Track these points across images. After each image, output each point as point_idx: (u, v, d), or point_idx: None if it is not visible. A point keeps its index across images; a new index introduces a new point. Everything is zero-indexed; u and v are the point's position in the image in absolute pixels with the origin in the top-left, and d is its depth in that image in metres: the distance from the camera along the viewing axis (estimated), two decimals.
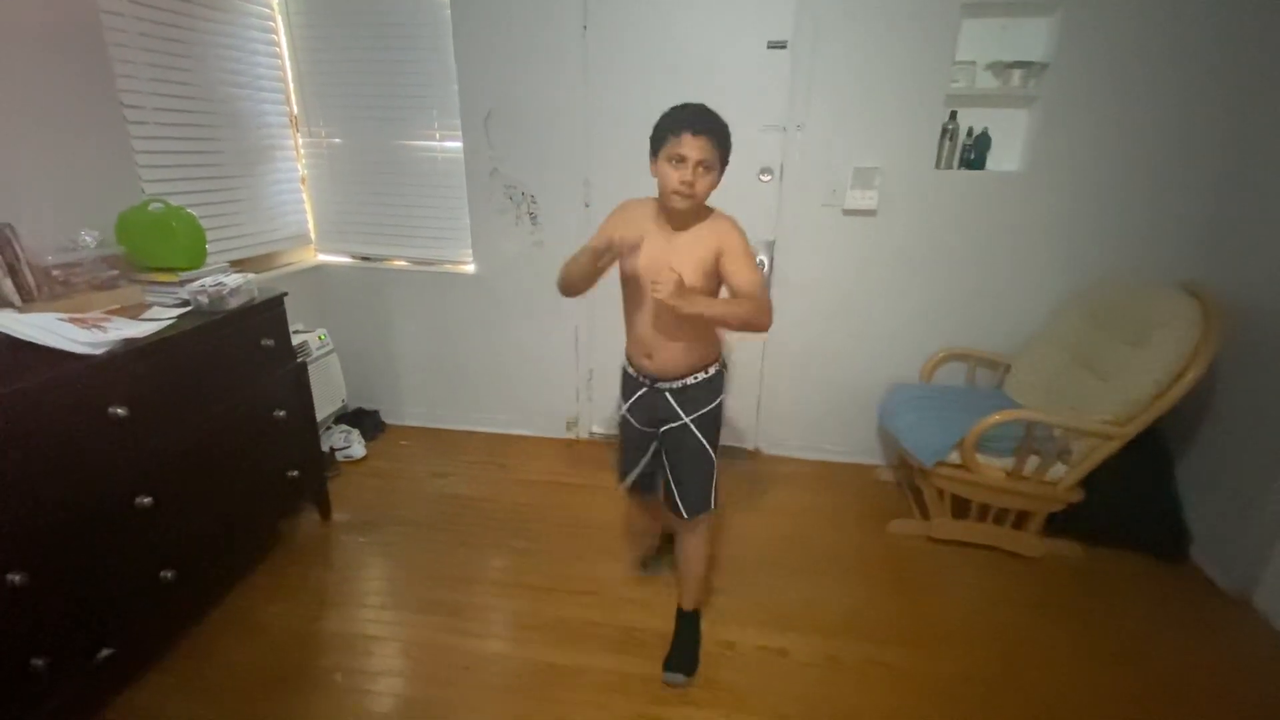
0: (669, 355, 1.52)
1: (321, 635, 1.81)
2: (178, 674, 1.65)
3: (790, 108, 2.36)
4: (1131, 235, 2.34)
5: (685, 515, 1.60)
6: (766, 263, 2.57)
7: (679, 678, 1.64)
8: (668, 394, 1.56)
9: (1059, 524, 2.17)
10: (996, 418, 1.96)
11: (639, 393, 1.61)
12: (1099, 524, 2.18)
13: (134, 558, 1.53)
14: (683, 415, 1.56)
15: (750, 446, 2.91)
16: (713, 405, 1.58)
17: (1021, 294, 2.47)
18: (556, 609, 1.92)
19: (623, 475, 1.73)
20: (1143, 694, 1.66)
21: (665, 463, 1.63)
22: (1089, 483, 2.07)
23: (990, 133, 2.35)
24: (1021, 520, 2.16)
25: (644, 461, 1.67)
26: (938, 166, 2.37)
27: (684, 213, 1.41)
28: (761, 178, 2.48)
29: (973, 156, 2.36)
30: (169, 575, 1.60)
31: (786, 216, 2.50)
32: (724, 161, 1.40)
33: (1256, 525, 1.96)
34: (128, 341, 1.50)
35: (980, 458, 2.05)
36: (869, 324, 2.61)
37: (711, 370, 1.57)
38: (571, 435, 3.02)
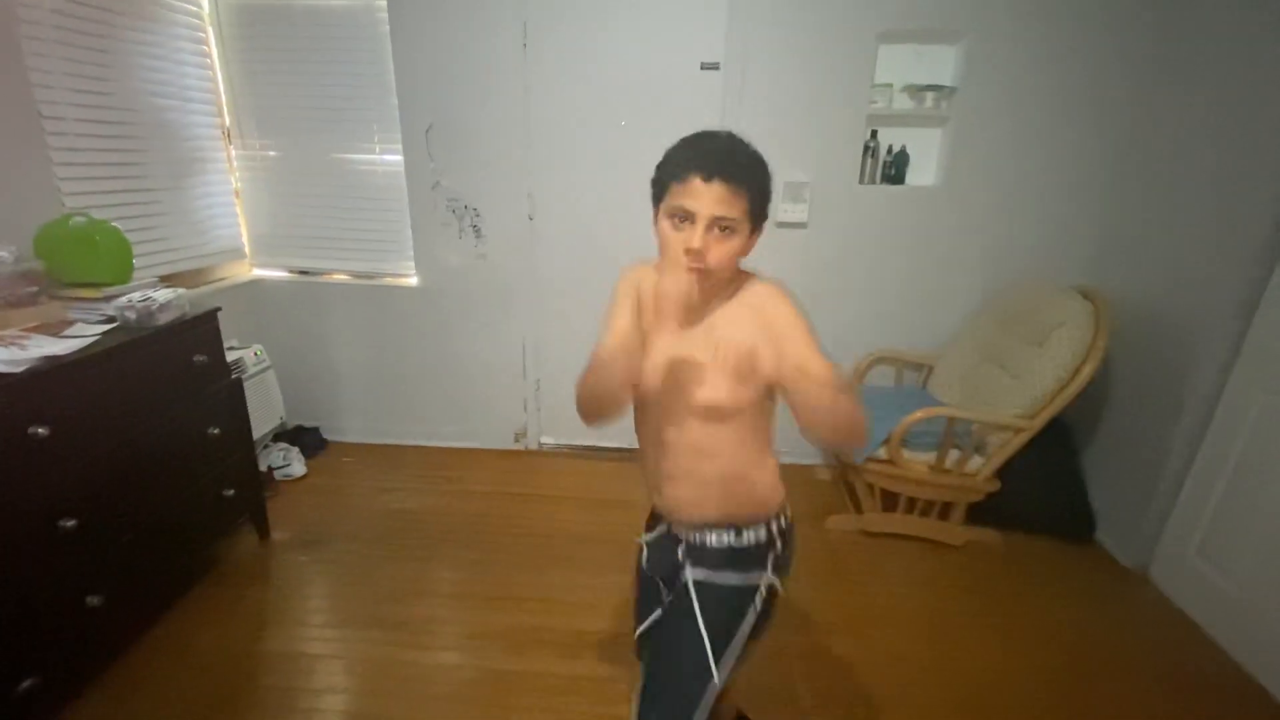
0: (684, 491, 1.07)
1: (260, 656, 1.76)
2: (107, 704, 1.58)
3: (724, 125, 2.47)
4: (1035, 243, 2.55)
5: None
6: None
7: None
8: (682, 544, 1.10)
9: (979, 513, 2.33)
10: (919, 415, 2.10)
11: (658, 529, 1.18)
12: (1014, 512, 2.35)
13: (57, 583, 1.47)
14: (686, 564, 1.08)
15: None
16: (737, 582, 1.05)
17: (941, 299, 2.65)
18: (506, 617, 1.93)
19: (635, 624, 1.25)
20: (1055, 665, 1.81)
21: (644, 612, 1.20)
22: (1004, 474, 2.23)
23: (908, 150, 2.53)
24: (945, 511, 2.31)
25: (654, 617, 1.19)
26: (861, 181, 2.53)
27: (697, 295, 0.94)
28: None
29: (893, 172, 2.53)
30: (95, 600, 1.54)
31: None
32: (757, 217, 0.93)
33: (1150, 507, 2.16)
34: (49, 359, 1.45)
35: (905, 453, 2.19)
36: None
37: (749, 534, 1.05)
38: (520, 446, 3.03)
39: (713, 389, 0.95)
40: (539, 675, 1.71)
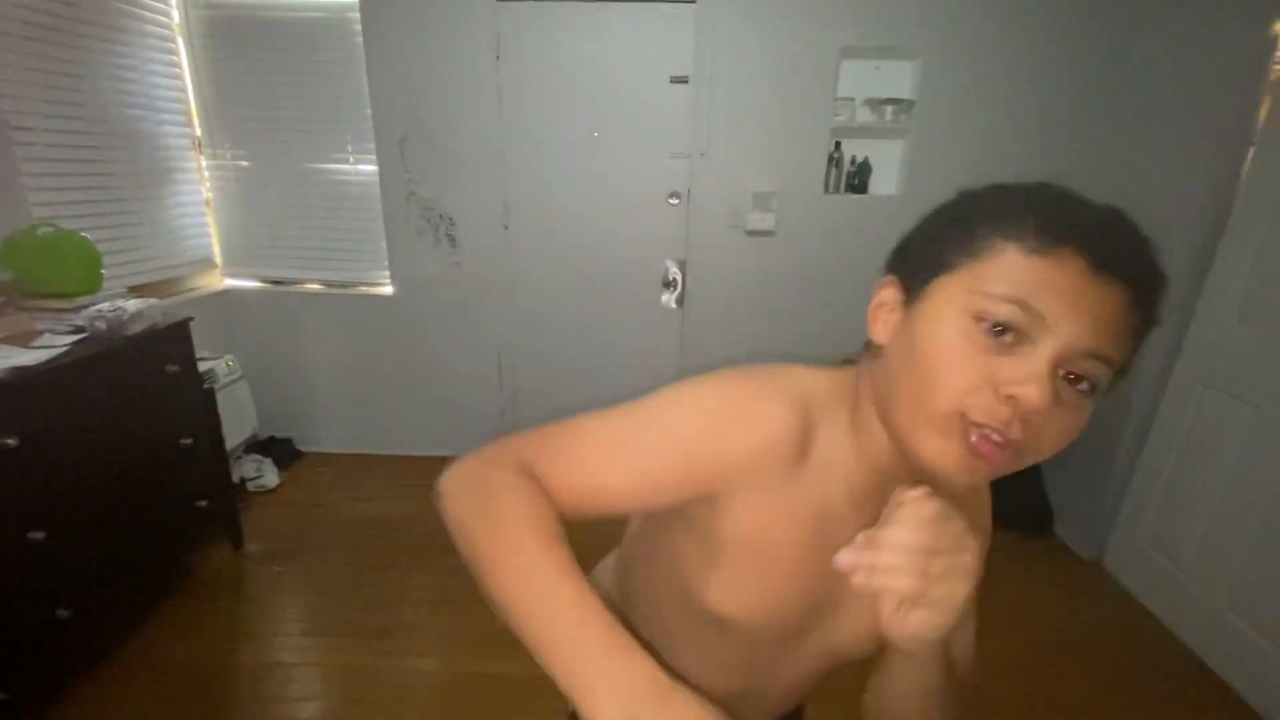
0: (759, 707, 0.70)
1: (236, 667, 1.75)
2: (78, 717, 1.56)
3: (694, 137, 2.55)
4: None
5: None
6: (680, 278, 2.73)
7: None
8: None
9: None
10: None
11: None
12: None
13: (26, 596, 1.45)
14: None
15: None
16: None
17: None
18: (483, 622, 1.94)
19: None
20: (1016, 653, 1.88)
21: None
22: None
23: (871, 161, 2.63)
24: None
25: None
26: (826, 191, 2.62)
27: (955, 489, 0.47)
28: (670, 201, 2.65)
29: (856, 182, 2.63)
30: (65, 613, 1.52)
31: (695, 237, 2.68)
32: (1132, 363, 0.45)
33: (1103, 500, 2.27)
34: (16, 370, 1.44)
35: None
36: (774, 335, 2.80)
37: None
38: None
39: (871, 639, 0.58)
40: (517, 678, 1.73)
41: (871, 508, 0.51)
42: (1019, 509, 2.47)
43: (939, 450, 0.43)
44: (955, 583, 0.43)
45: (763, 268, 2.71)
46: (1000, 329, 0.41)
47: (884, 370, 0.48)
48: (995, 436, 0.41)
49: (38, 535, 1.44)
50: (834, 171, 2.61)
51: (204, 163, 2.66)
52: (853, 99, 2.54)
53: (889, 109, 2.52)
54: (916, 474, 0.46)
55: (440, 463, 2.15)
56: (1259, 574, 1.73)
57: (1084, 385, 0.42)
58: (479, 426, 3.00)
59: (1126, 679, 1.80)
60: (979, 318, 0.42)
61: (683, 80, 2.50)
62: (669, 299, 2.78)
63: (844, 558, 0.44)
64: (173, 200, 2.51)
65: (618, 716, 0.41)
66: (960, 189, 0.48)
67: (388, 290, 2.82)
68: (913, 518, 0.43)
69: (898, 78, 2.54)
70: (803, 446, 0.51)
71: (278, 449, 2.88)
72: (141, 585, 1.86)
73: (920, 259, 0.47)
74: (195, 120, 2.61)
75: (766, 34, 2.44)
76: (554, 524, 0.49)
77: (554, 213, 2.68)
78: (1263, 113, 1.84)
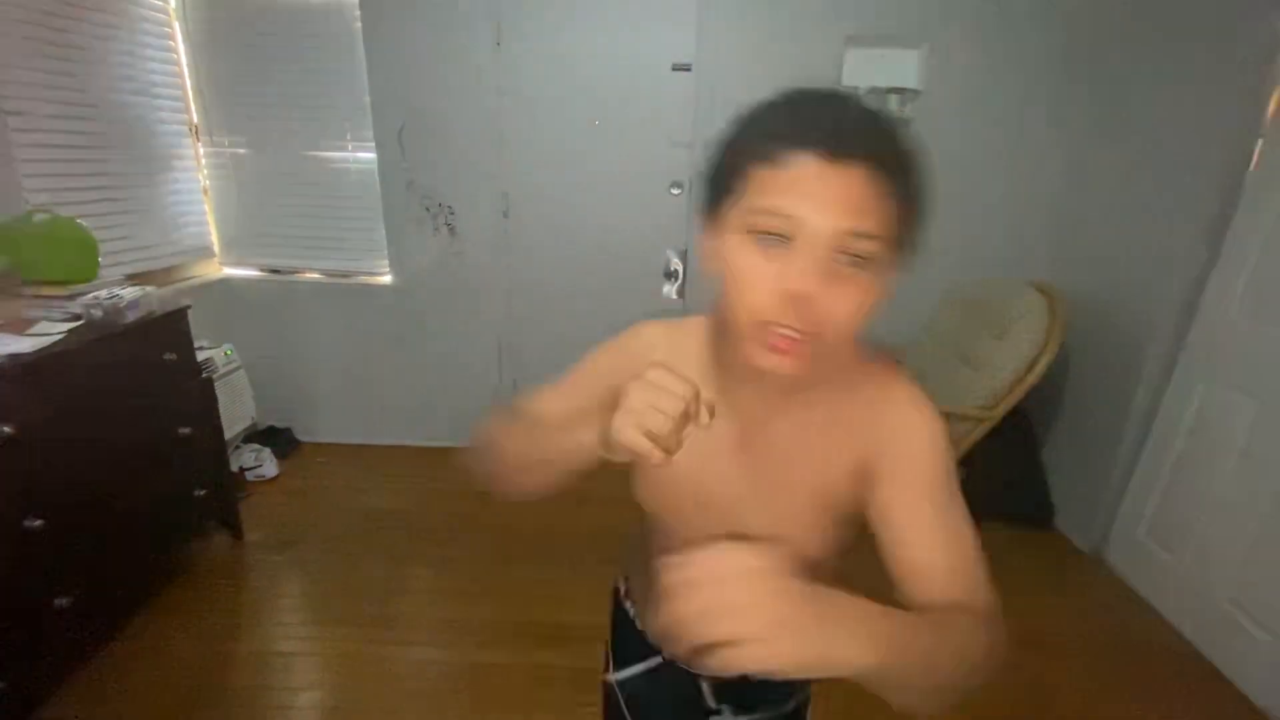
0: None
1: (235, 655, 1.75)
2: (77, 707, 1.56)
3: (696, 126, 2.53)
4: (995, 240, 2.65)
5: None
6: (681, 269, 2.72)
7: None
8: (704, 683, 0.81)
9: None
10: None
11: (650, 662, 0.84)
12: (977, 500, 2.41)
13: (23, 585, 1.44)
14: (731, 716, 0.81)
15: None
16: (791, 706, 0.84)
17: (905, 296, 2.71)
18: (482, 611, 1.95)
19: None
20: (1018, 645, 1.87)
21: None
22: (967, 463, 2.31)
23: None
24: None
25: None
26: None
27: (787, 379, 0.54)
28: (672, 191, 2.63)
29: None
30: (63, 602, 1.51)
31: (697, 228, 2.65)
32: (908, 239, 0.53)
33: (1104, 493, 2.26)
34: (12, 357, 1.43)
35: None
36: None
37: None
38: None
39: (797, 525, 0.64)
40: (516, 667, 1.74)
41: (737, 403, 0.62)
42: (1019, 500, 2.46)
43: (752, 354, 0.51)
44: (750, 598, 0.39)
45: None
46: (768, 236, 0.49)
47: (723, 295, 0.54)
48: (788, 332, 0.49)
49: (35, 523, 1.43)
50: None
51: (201, 150, 2.64)
52: (856, 88, 2.51)
53: (893, 98, 2.50)
54: (755, 372, 0.52)
55: (439, 453, 2.18)
56: (1259, 567, 1.73)
57: (859, 258, 0.48)
58: (478, 417, 2.99)
59: (1126, 671, 1.80)
60: (752, 232, 0.50)
61: (685, 68, 2.48)
62: (670, 290, 2.76)
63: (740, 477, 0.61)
64: (170, 188, 2.49)
65: (601, 421, 0.52)
66: (732, 117, 0.55)
67: (387, 280, 2.80)
68: (689, 568, 0.41)
69: (902, 66, 2.52)
70: (672, 358, 0.60)
71: (277, 439, 2.87)
72: (140, 574, 1.85)
73: (706, 198, 0.56)
74: (192, 107, 2.58)
75: (769, 21, 2.41)
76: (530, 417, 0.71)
77: (554, 202, 2.66)
78: (1271, 106, 1.82)
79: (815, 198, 0.47)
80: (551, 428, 0.62)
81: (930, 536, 0.56)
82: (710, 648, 0.38)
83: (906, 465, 0.58)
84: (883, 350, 0.61)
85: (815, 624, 0.40)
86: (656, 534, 0.74)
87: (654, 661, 0.83)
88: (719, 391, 0.61)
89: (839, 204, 0.47)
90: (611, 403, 0.50)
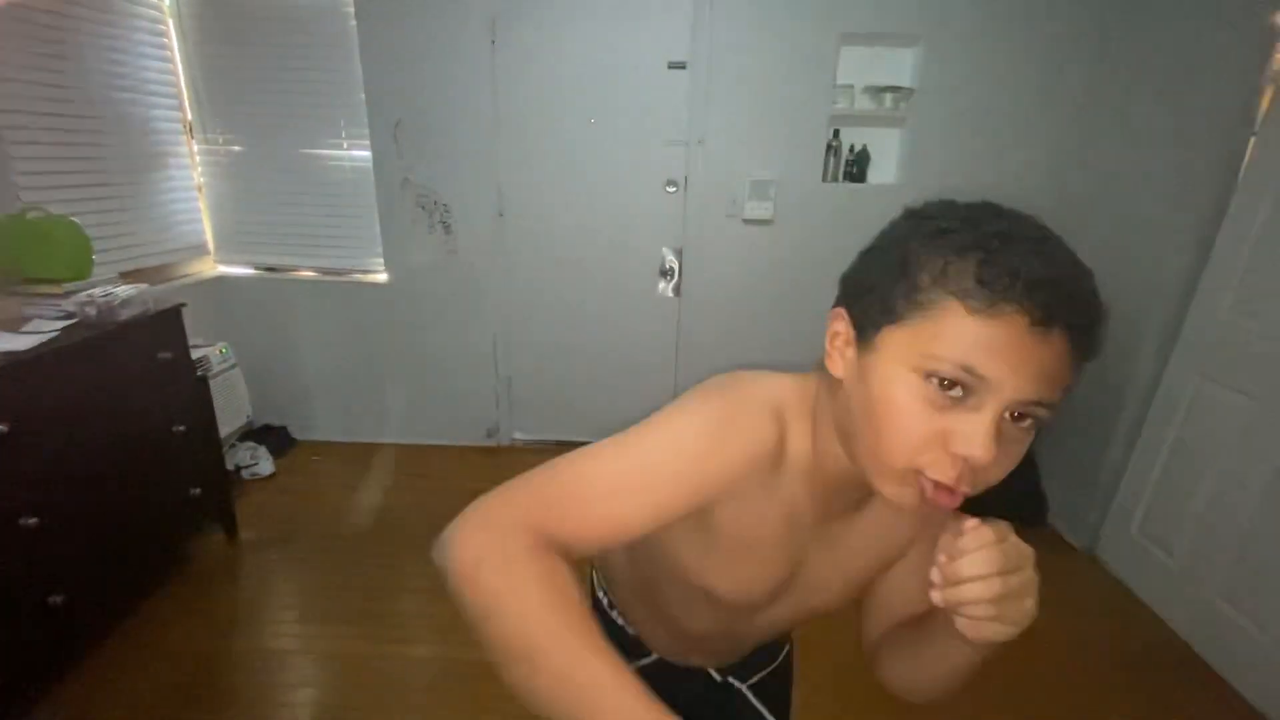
0: (741, 649, 0.84)
1: (231, 654, 1.76)
2: (72, 705, 1.56)
3: (691, 124, 2.53)
4: None
5: None
6: (677, 267, 2.72)
7: None
8: (702, 670, 0.88)
9: None
10: None
11: (645, 660, 0.86)
12: (974, 499, 2.43)
13: (18, 582, 1.44)
14: (736, 682, 0.89)
15: None
16: (782, 655, 0.93)
17: None
18: None
19: None
20: (1009, 644, 1.89)
21: None
22: None
23: (869, 149, 2.61)
24: None
25: None
26: (824, 180, 2.60)
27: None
28: (668, 189, 2.63)
29: (855, 170, 2.61)
30: (58, 600, 1.51)
31: (692, 226, 2.66)
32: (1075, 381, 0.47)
33: (1097, 490, 2.27)
34: (6, 355, 1.43)
35: None
36: (772, 325, 2.80)
37: None
38: (493, 443, 3.04)
39: (844, 590, 0.67)
40: None
41: (828, 502, 0.59)
42: (1013, 498, 2.44)
43: (896, 494, 0.48)
44: (1025, 598, 0.48)
45: (760, 257, 2.70)
46: (948, 384, 0.44)
47: (844, 405, 0.52)
48: (945, 488, 0.46)
49: (30, 521, 1.43)
50: (832, 160, 2.59)
51: (195, 147, 2.63)
52: (852, 86, 2.51)
53: (888, 96, 2.50)
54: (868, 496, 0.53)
55: (435, 452, 2.16)
56: (1251, 564, 1.74)
57: (1027, 423, 0.46)
58: (474, 415, 3.00)
59: (1119, 668, 1.81)
60: (928, 376, 0.45)
61: (680, 66, 2.48)
62: (666, 288, 2.76)
63: (934, 596, 0.49)
64: (164, 185, 2.49)
65: None
66: (906, 209, 0.51)
67: (382, 278, 2.80)
68: (978, 546, 0.46)
69: (897, 64, 2.52)
70: (780, 453, 0.56)
71: (272, 437, 2.87)
72: (135, 572, 1.85)
73: (869, 302, 0.49)
74: (186, 104, 2.57)
75: (765, 19, 2.41)
76: (576, 592, 0.50)
77: (550, 200, 2.66)
78: (1264, 103, 1.83)
79: (1016, 364, 0.42)
80: (552, 664, 0.46)
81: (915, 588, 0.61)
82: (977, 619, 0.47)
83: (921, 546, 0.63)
84: None
85: None
86: (689, 598, 0.69)
87: (649, 659, 0.85)
88: (809, 481, 0.58)
89: (1039, 375, 0.43)
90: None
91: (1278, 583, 1.66)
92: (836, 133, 2.58)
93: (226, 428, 2.43)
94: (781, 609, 0.68)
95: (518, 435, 3.05)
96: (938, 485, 0.46)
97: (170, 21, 2.47)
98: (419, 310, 2.83)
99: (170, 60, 2.49)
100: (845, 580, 0.67)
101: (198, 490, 2.01)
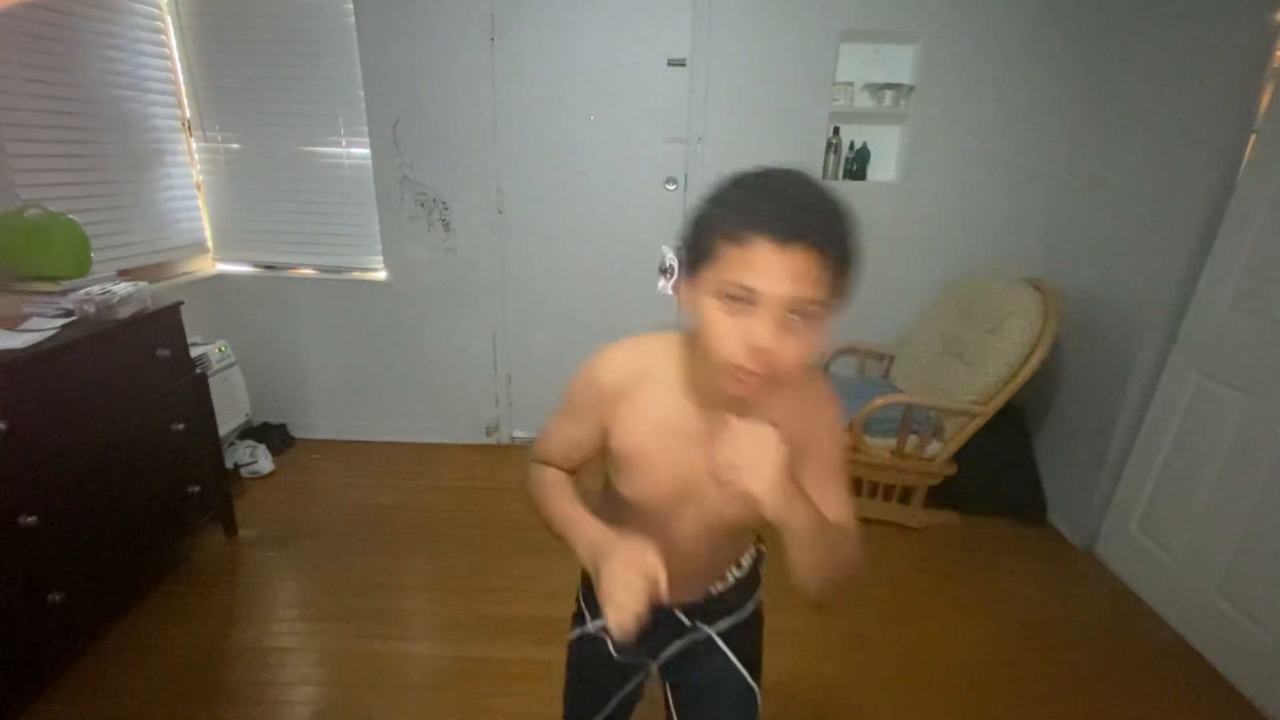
0: (690, 576, 0.92)
1: (230, 651, 1.76)
2: (71, 702, 1.56)
3: (690, 121, 2.53)
4: (990, 236, 2.66)
5: None
6: (676, 265, 2.71)
7: None
8: (683, 613, 0.97)
9: (938, 497, 2.42)
10: (879, 402, 2.18)
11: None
12: (971, 495, 2.45)
13: (18, 580, 1.44)
14: (705, 627, 0.97)
15: None
16: (747, 610, 1.01)
17: (901, 292, 2.74)
18: (478, 607, 1.95)
19: None
20: (1009, 639, 1.90)
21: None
22: (962, 459, 2.32)
23: (870, 147, 2.60)
24: (906, 495, 2.39)
25: (607, 711, 1.03)
26: (825, 177, 2.60)
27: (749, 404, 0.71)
28: (667, 187, 2.62)
29: (855, 168, 2.61)
30: (58, 598, 1.51)
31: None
32: (846, 289, 0.66)
33: (1096, 487, 2.27)
34: (4, 353, 1.43)
35: (867, 439, 2.26)
36: None
37: (745, 560, 0.99)
38: (492, 440, 3.04)
39: (749, 509, 0.71)
40: (510, 662, 1.74)
41: (704, 418, 0.76)
42: (1013, 494, 2.47)
43: (729, 385, 0.67)
44: (765, 464, 0.65)
45: None
46: (735, 299, 0.62)
47: (694, 332, 0.70)
48: (749, 373, 0.64)
49: (29, 519, 1.43)
50: (832, 157, 2.59)
51: (194, 145, 2.63)
52: (851, 83, 2.51)
53: (888, 93, 2.50)
54: (725, 395, 0.69)
55: (434, 450, 2.21)
56: (1250, 561, 1.74)
57: (800, 317, 0.62)
58: (474, 413, 2.99)
59: (1118, 665, 1.82)
60: (722, 297, 0.63)
61: (680, 63, 2.47)
62: (665, 285, 2.76)
63: (708, 464, 0.70)
64: (162, 183, 2.48)
65: (587, 555, 0.75)
66: (717, 180, 0.67)
67: (382, 276, 2.79)
68: (735, 436, 0.67)
69: (897, 62, 2.52)
70: (641, 380, 0.79)
71: (272, 435, 2.87)
72: (134, 570, 1.86)
73: (688, 259, 0.68)
74: (185, 102, 2.57)
75: (765, 16, 2.41)
76: (563, 482, 0.88)
77: (549, 198, 2.65)
78: (1264, 100, 1.82)
79: (774, 275, 0.60)
80: (556, 524, 0.83)
81: (833, 492, 0.80)
82: (731, 484, 0.66)
83: (823, 446, 0.80)
84: (809, 365, 0.71)
85: (789, 490, 0.66)
86: (627, 514, 0.86)
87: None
88: (695, 403, 0.77)
89: (794, 279, 0.60)
90: (591, 538, 0.76)
91: (1276, 580, 1.66)
92: (836, 130, 2.58)
93: (225, 426, 2.43)
94: (692, 514, 0.83)
95: (517, 433, 3.05)
96: (749, 371, 0.64)
97: (168, 19, 2.46)
98: (418, 308, 2.82)
99: (168, 58, 2.49)
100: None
101: (197, 488, 2.01)
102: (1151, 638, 1.93)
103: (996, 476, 2.45)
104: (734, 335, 0.63)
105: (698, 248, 0.66)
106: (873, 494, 2.39)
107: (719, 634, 0.97)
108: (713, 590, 0.96)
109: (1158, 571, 2.03)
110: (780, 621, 1.89)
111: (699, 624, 0.97)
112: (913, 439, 2.26)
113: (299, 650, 1.77)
